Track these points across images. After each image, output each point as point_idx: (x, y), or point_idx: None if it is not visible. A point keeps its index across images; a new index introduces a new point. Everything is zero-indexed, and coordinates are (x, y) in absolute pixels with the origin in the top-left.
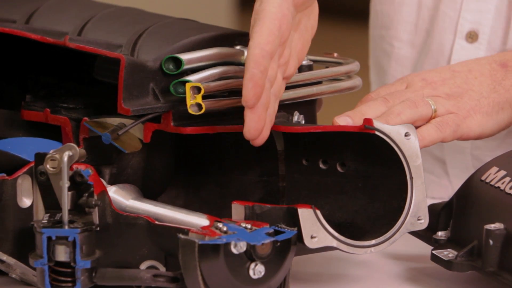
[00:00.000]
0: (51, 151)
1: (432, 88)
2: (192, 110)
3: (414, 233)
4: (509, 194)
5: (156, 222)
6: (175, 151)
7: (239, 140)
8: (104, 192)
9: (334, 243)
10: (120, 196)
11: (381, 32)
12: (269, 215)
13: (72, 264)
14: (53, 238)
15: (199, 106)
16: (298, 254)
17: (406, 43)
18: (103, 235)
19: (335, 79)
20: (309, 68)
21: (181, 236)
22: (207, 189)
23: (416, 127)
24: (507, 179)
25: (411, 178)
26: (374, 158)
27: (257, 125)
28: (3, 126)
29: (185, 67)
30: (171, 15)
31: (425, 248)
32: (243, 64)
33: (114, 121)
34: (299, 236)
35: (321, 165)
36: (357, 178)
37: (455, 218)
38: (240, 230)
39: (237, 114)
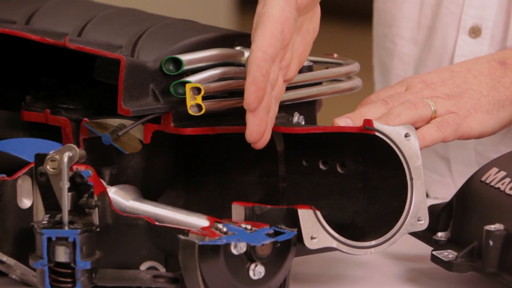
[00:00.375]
0: (51, 152)
1: (432, 89)
2: (192, 111)
3: (414, 234)
4: (509, 195)
5: (156, 223)
6: (175, 152)
7: (239, 141)
8: (104, 193)
9: (334, 244)
10: (120, 197)
11: (383, 30)
12: (269, 216)
13: (72, 265)
14: (53, 239)
15: (199, 107)
16: (298, 255)
17: (409, 41)
18: (103, 236)
19: (335, 80)
20: (309, 69)
21: (181, 237)
22: (207, 189)
23: (417, 128)
24: (507, 180)
25: (411, 179)
26: (374, 159)
27: (259, 128)
28: (3, 127)
29: (185, 68)
30: (171, 15)
31: (425, 249)
32: (243, 65)
33: (114, 122)
34: (299, 237)
35: (321, 166)
36: (357, 179)
37: (455, 219)
38: (240, 231)
39: (237, 115)
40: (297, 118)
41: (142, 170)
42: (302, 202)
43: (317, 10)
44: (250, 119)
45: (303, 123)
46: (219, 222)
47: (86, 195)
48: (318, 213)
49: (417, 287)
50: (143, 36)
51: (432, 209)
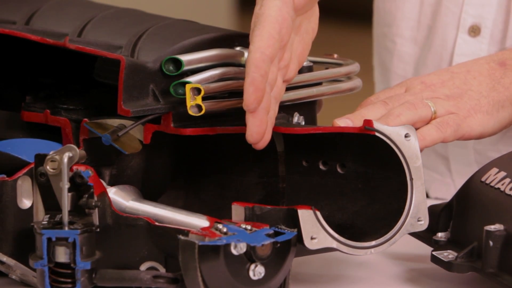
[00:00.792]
0: (51, 152)
1: (431, 90)
2: (192, 111)
3: (414, 234)
4: (509, 195)
5: (156, 223)
6: (175, 152)
7: (239, 141)
8: (104, 193)
9: (334, 244)
10: (120, 197)
11: (383, 30)
12: (269, 216)
13: (72, 265)
14: (53, 239)
15: (199, 107)
16: (298, 255)
17: (408, 40)
18: (103, 236)
19: (335, 80)
20: (309, 69)
21: (181, 237)
22: (207, 190)
23: (417, 129)
24: (507, 180)
25: (411, 179)
26: (374, 159)
27: (259, 129)
28: (3, 127)
29: (185, 68)
30: (171, 16)
31: (425, 249)
32: (243, 65)
33: (114, 122)
34: (299, 237)
35: (321, 166)
36: (357, 179)
37: (455, 219)
38: (240, 231)
39: (237, 115)
40: (297, 118)
41: (142, 171)
42: (302, 202)
43: (316, 10)
44: (250, 120)
45: (303, 123)
46: (219, 223)
47: (86, 196)
48: (318, 213)
49: (417, 287)
50: (143, 36)
51: (432, 210)
